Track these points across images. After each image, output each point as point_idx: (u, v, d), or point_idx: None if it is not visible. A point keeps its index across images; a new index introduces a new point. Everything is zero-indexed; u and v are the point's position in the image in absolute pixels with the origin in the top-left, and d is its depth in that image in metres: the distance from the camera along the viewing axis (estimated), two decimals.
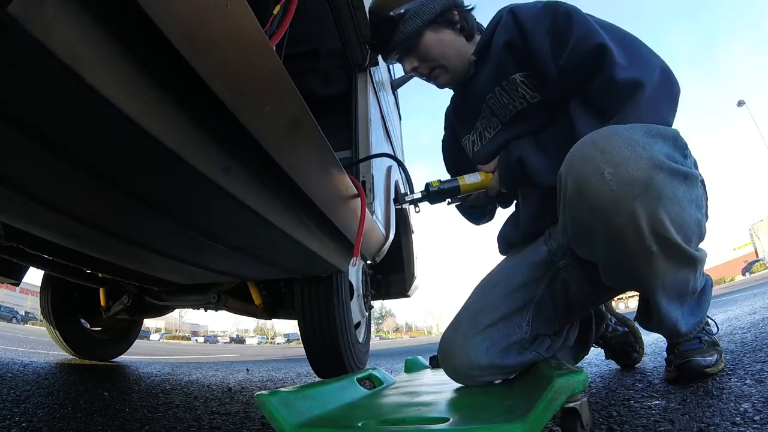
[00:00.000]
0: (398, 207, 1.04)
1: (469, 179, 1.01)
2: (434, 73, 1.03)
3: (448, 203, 1.07)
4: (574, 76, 0.84)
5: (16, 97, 0.39)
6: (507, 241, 1.06)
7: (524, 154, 0.93)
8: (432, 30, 0.98)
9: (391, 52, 1.03)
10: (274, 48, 0.61)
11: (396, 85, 2.23)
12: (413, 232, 2.42)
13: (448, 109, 1.20)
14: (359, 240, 1.07)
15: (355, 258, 1.04)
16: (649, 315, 0.81)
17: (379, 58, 1.57)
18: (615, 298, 1.10)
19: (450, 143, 1.21)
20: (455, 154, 1.20)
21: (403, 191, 0.96)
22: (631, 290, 0.87)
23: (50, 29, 0.32)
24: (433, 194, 1.00)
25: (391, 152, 2.05)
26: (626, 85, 0.77)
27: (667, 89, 0.79)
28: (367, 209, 1.10)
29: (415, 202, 1.02)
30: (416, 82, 2.02)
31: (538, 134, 0.94)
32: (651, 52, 0.83)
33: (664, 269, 0.68)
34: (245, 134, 0.57)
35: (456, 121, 1.16)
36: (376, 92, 1.69)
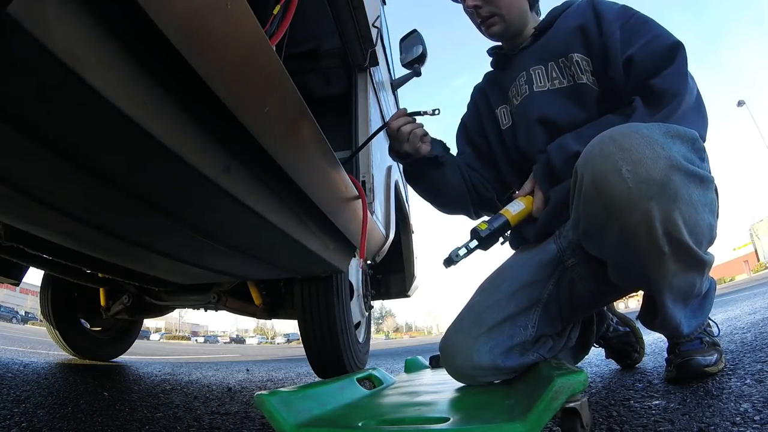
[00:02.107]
0: (450, 267, 0.91)
1: (514, 209, 0.93)
2: (491, 20, 1.04)
3: (502, 243, 0.99)
4: (642, 66, 0.85)
5: (16, 97, 0.39)
6: (521, 236, 1.04)
7: (579, 147, 0.88)
8: None
9: None
10: (274, 48, 0.62)
11: (396, 85, 2.22)
12: (413, 232, 2.41)
13: (478, 85, 1.20)
14: (364, 240, 1.07)
15: (361, 259, 1.03)
16: (652, 314, 0.81)
17: (380, 57, 1.56)
18: None
19: (471, 120, 1.19)
20: (472, 133, 1.18)
21: (453, 250, 0.87)
22: (637, 290, 0.87)
23: (50, 29, 0.32)
24: (485, 239, 0.90)
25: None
26: (681, 87, 0.81)
27: (701, 108, 0.85)
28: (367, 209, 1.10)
29: (469, 254, 0.91)
30: (417, 81, 2.02)
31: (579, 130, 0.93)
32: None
33: (673, 270, 0.68)
34: (245, 134, 0.57)
35: (491, 91, 1.15)
36: (376, 92, 1.69)
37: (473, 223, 0.95)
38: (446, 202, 1.15)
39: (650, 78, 0.83)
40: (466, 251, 0.89)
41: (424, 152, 1.01)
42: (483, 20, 1.04)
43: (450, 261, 0.88)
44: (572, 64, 0.95)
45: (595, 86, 0.93)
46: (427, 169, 1.07)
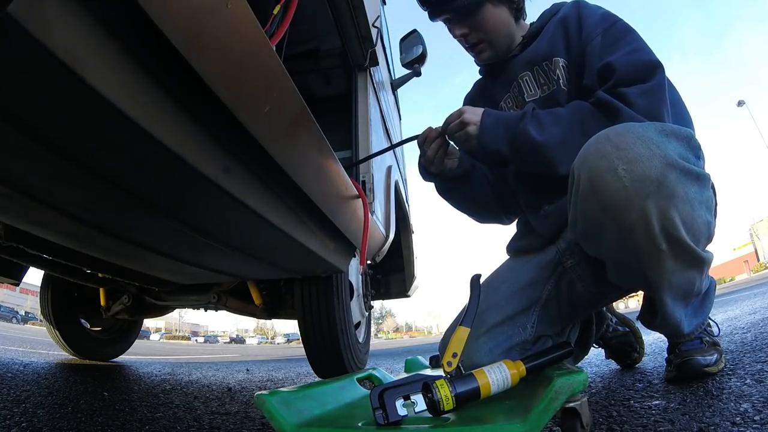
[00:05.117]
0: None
1: (495, 379, 0.60)
2: (480, 47, 1.02)
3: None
4: (619, 74, 0.82)
5: (16, 97, 0.39)
6: (524, 250, 1.02)
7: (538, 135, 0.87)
8: (492, 4, 0.97)
9: (444, 13, 0.99)
10: (274, 48, 0.61)
11: (396, 85, 2.22)
12: (413, 232, 2.41)
13: (469, 94, 1.19)
14: (364, 247, 1.07)
15: (362, 267, 1.03)
16: (652, 314, 0.81)
17: (380, 57, 1.55)
18: None
19: None
20: None
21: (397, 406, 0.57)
22: (636, 290, 0.87)
23: (50, 29, 0.32)
24: (445, 409, 0.58)
25: (391, 153, 2.05)
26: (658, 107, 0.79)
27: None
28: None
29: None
30: (417, 80, 2.02)
31: None
32: None
33: (671, 268, 0.68)
34: (245, 134, 0.57)
35: (482, 101, 1.14)
36: (376, 92, 1.69)
37: (478, 226, 0.90)
38: (476, 213, 1.17)
39: (625, 87, 0.81)
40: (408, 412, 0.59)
41: (449, 170, 1.01)
42: (471, 47, 1.02)
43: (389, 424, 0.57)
44: (557, 67, 0.94)
45: (566, 88, 0.93)
46: (454, 185, 1.07)
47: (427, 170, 1.03)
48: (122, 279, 1.29)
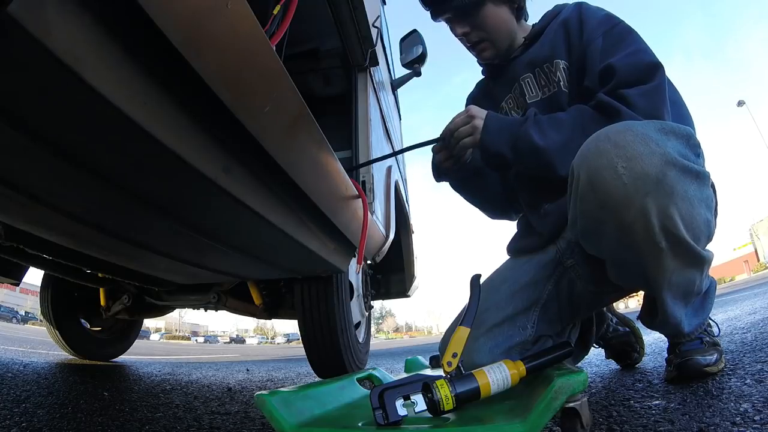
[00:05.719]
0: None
1: (494, 378, 0.60)
2: (481, 45, 1.02)
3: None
4: (620, 75, 0.82)
5: (16, 97, 0.39)
6: (524, 250, 1.02)
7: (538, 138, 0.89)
8: (493, 3, 0.98)
9: (446, 12, 1.00)
10: (274, 48, 0.61)
11: (396, 85, 2.22)
12: (413, 232, 2.41)
13: (471, 94, 1.19)
14: (362, 245, 1.07)
15: (358, 265, 1.03)
16: (652, 314, 0.81)
17: (380, 57, 1.55)
18: None
19: None
20: None
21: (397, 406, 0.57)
22: (636, 290, 0.87)
23: (50, 29, 0.32)
24: (444, 410, 0.58)
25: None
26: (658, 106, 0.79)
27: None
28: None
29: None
30: (417, 79, 2.02)
31: None
32: None
33: (671, 267, 0.68)
34: (245, 134, 0.57)
35: (484, 102, 1.13)
36: (376, 92, 1.69)
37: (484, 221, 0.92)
38: (488, 208, 1.19)
39: (625, 88, 0.81)
40: (409, 412, 0.59)
41: (462, 168, 1.02)
42: (473, 46, 1.03)
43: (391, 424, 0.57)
44: (558, 70, 0.94)
45: (567, 90, 0.93)
46: (468, 180, 1.10)
47: (439, 170, 1.04)
48: (122, 279, 1.29)
